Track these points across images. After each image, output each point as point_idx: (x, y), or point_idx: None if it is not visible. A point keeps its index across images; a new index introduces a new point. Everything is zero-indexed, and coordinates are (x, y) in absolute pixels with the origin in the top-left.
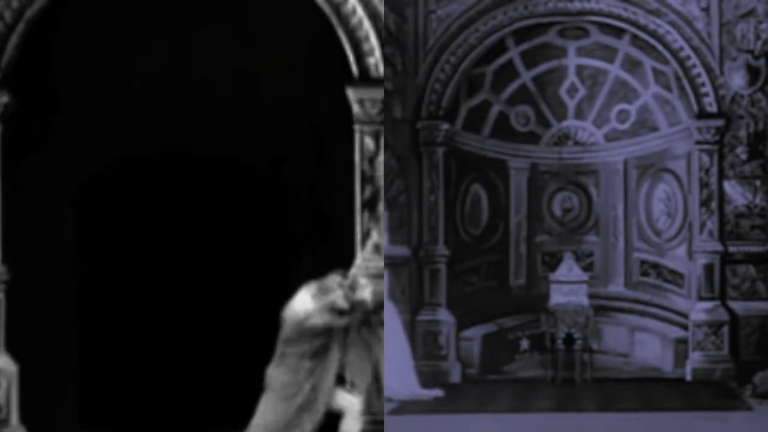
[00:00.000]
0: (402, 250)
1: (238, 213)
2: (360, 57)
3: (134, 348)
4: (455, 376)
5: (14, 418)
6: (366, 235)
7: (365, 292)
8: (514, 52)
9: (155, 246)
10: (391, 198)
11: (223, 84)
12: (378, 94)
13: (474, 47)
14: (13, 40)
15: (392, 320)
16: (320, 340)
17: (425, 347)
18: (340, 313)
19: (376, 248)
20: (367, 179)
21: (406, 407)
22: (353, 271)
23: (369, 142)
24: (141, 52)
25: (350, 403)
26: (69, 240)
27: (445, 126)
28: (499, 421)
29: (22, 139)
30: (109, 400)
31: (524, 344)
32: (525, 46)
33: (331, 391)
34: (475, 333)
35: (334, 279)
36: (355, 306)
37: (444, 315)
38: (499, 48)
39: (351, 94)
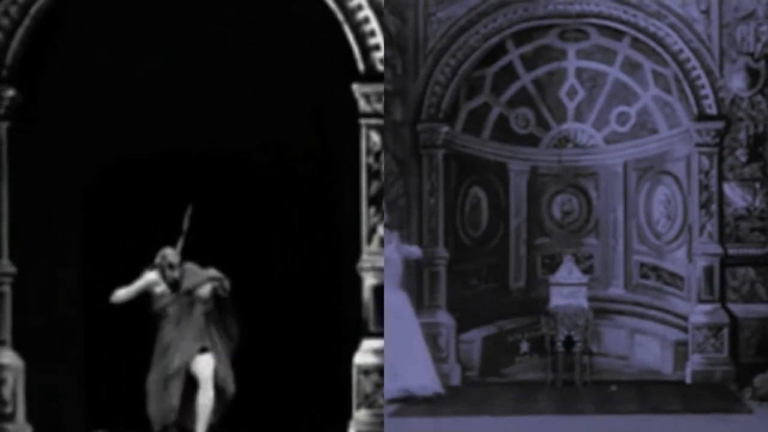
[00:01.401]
0: None
1: (241, 209)
2: (365, 53)
3: (139, 345)
4: (455, 379)
5: (20, 413)
6: (372, 230)
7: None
8: (513, 55)
9: (158, 246)
10: (391, 200)
11: (227, 80)
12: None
13: (474, 49)
14: (19, 35)
15: (408, 317)
16: (161, 303)
17: None
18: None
19: (382, 243)
20: (373, 174)
21: (406, 409)
22: (178, 248)
23: (374, 137)
24: (145, 50)
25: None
26: (75, 237)
27: (445, 128)
28: (499, 424)
29: (28, 134)
30: (115, 397)
31: (524, 347)
32: (525, 48)
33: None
34: (475, 335)
35: (166, 253)
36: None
37: (444, 317)
38: (499, 50)
39: (356, 89)
